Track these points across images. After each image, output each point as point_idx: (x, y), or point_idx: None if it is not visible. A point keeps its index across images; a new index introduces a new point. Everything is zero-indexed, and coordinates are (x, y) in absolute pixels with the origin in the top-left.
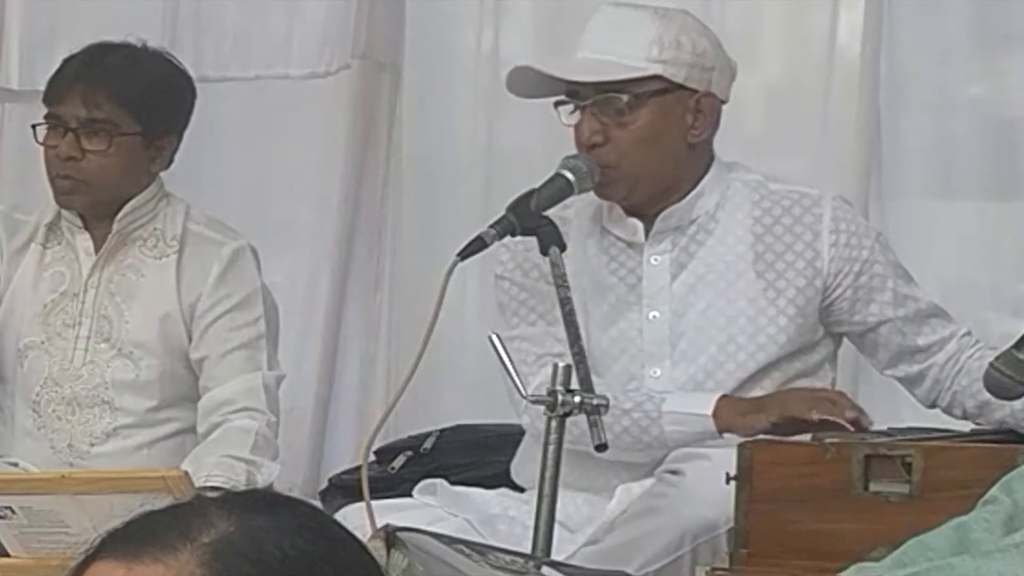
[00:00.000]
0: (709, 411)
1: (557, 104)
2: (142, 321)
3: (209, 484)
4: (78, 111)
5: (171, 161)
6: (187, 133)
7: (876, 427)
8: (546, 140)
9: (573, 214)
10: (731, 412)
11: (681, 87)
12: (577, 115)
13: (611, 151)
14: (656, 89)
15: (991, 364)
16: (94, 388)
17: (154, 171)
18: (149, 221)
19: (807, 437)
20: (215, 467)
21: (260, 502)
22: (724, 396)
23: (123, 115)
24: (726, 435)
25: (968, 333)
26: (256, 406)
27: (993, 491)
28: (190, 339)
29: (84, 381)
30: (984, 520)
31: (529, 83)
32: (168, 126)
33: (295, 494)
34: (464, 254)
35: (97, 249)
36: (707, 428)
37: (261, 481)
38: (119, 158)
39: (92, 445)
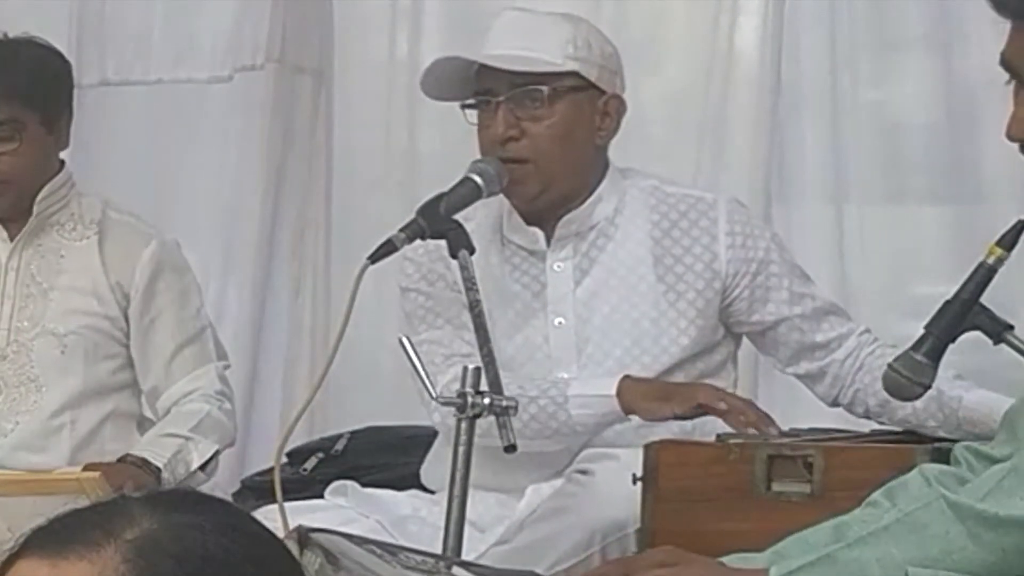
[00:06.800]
0: (613, 391)
1: (465, 106)
2: (66, 300)
3: (134, 457)
4: None
5: (69, 137)
6: (94, 138)
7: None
8: (467, 144)
9: (474, 226)
10: (635, 395)
11: (593, 86)
12: (484, 117)
13: (526, 146)
14: (572, 85)
15: (889, 365)
16: (20, 367)
17: (60, 151)
18: (64, 206)
19: (712, 438)
20: (146, 444)
21: (183, 500)
22: (627, 377)
23: (22, 110)
24: (632, 418)
25: (867, 331)
26: (212, 392)
27: (876, 495)
28: (125, 318)
29: (10, 361)
30: (863, 521)
31: (443, 83)
32: (60, 106)
33: (217, 494)
34: (374, 257)
35: (12, 236)
36: (612, 408)
37: (196, 458)
38: (31, 153)
39: (17, 423)
